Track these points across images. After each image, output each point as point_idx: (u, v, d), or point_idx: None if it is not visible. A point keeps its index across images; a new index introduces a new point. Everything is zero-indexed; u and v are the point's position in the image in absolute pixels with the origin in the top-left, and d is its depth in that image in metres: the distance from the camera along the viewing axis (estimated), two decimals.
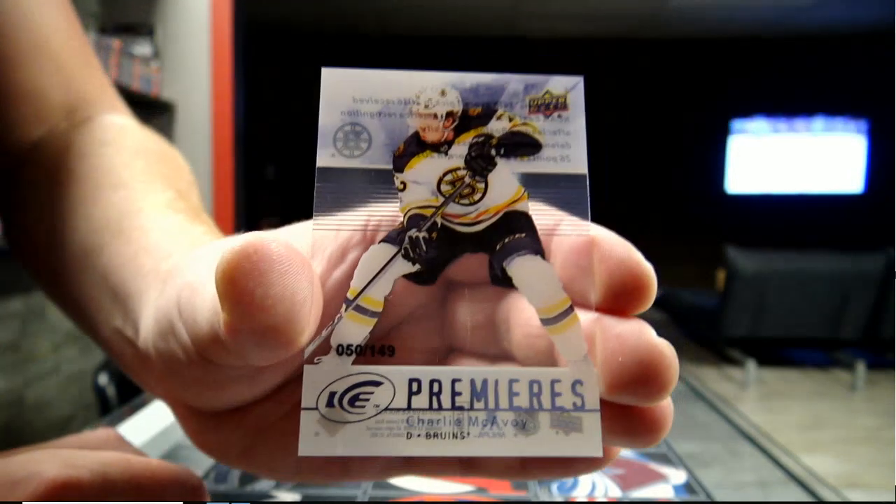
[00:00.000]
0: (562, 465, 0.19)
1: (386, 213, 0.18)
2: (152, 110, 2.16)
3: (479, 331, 0.20)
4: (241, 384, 0.19)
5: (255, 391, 0.20)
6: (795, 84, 4.96)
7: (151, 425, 0.64)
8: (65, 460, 0.20)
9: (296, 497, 0.46)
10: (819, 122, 5.06)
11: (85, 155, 0.34)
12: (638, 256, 0.17)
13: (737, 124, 5.08)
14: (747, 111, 5.06)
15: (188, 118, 2.25)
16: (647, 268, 0.17)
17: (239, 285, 0.15)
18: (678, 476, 0.51)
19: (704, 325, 3.67)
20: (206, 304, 0.18)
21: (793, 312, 3.54)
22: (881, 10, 3.83)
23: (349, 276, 0.18)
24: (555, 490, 0.47)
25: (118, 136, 0.36)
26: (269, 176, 4.75)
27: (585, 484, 0.48)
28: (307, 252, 0.19)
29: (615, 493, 0.48)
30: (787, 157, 5.11)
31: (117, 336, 0.26)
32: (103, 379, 1.09)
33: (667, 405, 0.17)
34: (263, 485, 0.48)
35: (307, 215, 0.21)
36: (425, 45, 4.80)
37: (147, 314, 0.22)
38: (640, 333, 0.16)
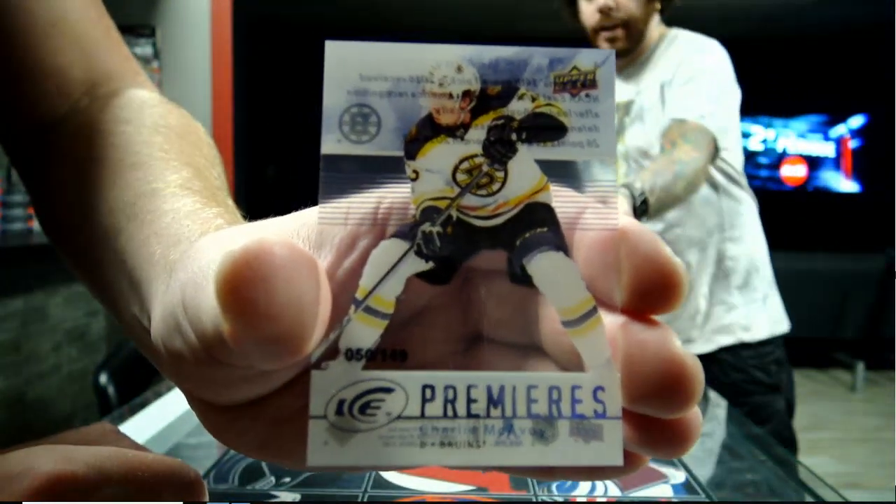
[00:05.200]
0: (586, 470, 0.18)
1: (397, 197, 0.17)
2: None
3: (505, 318, 0.19)
4: (254, 382, 0.18)
5: (268, 387, 0.19)
6: (794, 83, 4.96)
7: (152, 424, 0.64)
8: (60, 455, 0.20)
9: (296, 497, 0.46)
10: (818, 122, 5.07)
11: (105, 133, 0.34)
12: (667, 252, 0.16)
13: None
14: (746, 110, 5.06)
15: None
16: (677, 265, 0.16)
17: (240, 295, 0.14)
18: (678, 476, 0.51)
19: None
20: (209, 302, 0.16)
21: (793, 312, 3.54)
22: (881, 9, 3.83)
23: (360, 265, 0.17)
24: (554, 489, 0.47)
25: (139, 112, 0.35)
26: (270, 176, 4.75)
27: (585, 483, 0.48)
28: (313, 243, 0.18)
29: (615, 492, 0.48)
30: (786, 157, 5.11)
31: (136, 323, 0.26)
32: (104, 378, 1.09)
33: (694, 416, 0.16)
34: (263, 484, 0.48)
35: None
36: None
37: (155, 309, 0.22)
38: (663, 342, 0.16)
